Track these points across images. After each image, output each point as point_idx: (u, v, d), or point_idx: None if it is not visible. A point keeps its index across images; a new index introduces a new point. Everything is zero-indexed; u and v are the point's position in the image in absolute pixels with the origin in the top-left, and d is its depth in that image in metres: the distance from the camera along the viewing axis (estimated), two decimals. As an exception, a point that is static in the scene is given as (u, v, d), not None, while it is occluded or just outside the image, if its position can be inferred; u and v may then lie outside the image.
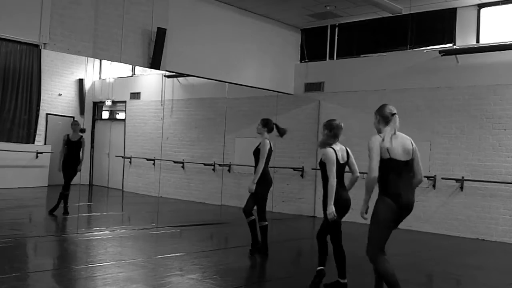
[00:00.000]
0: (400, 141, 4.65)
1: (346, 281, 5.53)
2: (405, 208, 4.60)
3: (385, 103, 4.96)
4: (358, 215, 4.72)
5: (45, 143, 11.83)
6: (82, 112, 13.40)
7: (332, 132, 5.56)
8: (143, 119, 14.22)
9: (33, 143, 11.04)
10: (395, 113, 4.73)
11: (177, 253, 7.11)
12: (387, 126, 4.72)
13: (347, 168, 5.71)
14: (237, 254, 7.59)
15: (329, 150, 5.51)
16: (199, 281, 5.75)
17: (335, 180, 5.40)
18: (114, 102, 14.23)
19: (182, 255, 7.09)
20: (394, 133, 4.67)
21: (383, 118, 4.79)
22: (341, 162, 5.56)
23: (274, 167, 12.18)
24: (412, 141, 4.72)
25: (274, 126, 7.34)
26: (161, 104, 13.70)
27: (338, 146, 5.58)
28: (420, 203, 9.52)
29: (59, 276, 5.78)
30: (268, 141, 7.29)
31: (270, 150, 7.29)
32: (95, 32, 8.51)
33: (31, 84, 12.18)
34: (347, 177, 5.70)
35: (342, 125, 5.61)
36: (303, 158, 12.11)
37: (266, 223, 7.46)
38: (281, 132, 7.31)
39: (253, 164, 12.38)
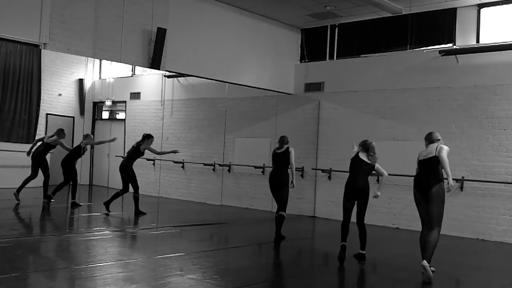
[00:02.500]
0: (429, 149, 6.55)
1: (364, 252, 7.19)
2: (419, 189, 6.42)
3: (431, 131, 6.82)
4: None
5: (45, 143, 11.82)
6: (82, 112, 13.43)
7: (359, 146, 7.39)
8: (143, 119, 14.22)
9: (33, 143, 11.02)
10: (439, 139, 6.64)
11: (177, 253, 7.11)
12: (431, 144, 6.59)
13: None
14: (237, 254, 7.59)
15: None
16: (199, 281, 5.75)
17: (350, 174, 7.34)
18: (114, 102, 14.25)
19: (182, 255, 7.09)
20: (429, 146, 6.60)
21: (429, 141, 6.65)
22: (365, 161, 7.26)
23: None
24: (439, 147, 6.46)
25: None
26: (161, 104, 13.71)
27: (363, 154, 7.27)
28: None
29: (59, 276, 5.78)
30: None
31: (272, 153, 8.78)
32: (95, 32, 8.50)
33: (31, 84, 12.19)
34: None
35: (372, 144, 7.32)
36: (303, 158, 12.10)
37: (278, 214, 8.48)
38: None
39: (252, 164, 12.59)
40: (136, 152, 10.53)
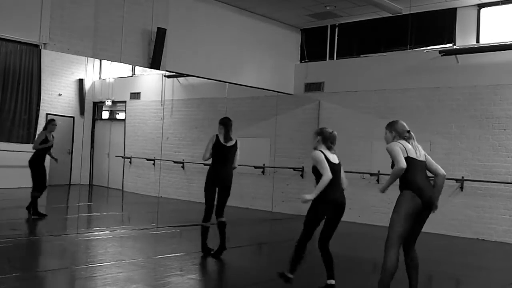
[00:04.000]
0: (415, 148, 5.21)
1: (334, 282, 5.58)
2: (428, 204, 5.17)
3: (396, 119, 5.41)
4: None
5: (45, 143, 11.81)
6: (82, 112, 13.43)
7: (318, 136, 5.52)
8: (143, 119, 14.23)
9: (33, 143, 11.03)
10: (409, 130, 5.21)
11: (177, 253, 7.11)
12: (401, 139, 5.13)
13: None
14: (237, 254, 7.58)
15: (316, 152, 5.41)
16: (199, 281, 5.75)
17: (329, 175, 5.30)
18: (114, 102, 14.26)
19: (182, 255, 7.09)
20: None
21: (398, 134, 5.21)
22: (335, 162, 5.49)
23: (274, 167, 12.22)
24: (426, 155, 5.28)
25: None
26: (161, 104, 13.71)
27: (329, 152, 5.48)
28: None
29: (59, 276, 5.78)
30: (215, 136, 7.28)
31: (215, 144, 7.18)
32: (95, 32, 8.50)
33: (31, 84, 12.19)
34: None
35: (334, 133, 5.56)
36: (303, 158, 12.09)
37: (219, 220, 7.18)
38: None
39: (251, 164, 12.43)
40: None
